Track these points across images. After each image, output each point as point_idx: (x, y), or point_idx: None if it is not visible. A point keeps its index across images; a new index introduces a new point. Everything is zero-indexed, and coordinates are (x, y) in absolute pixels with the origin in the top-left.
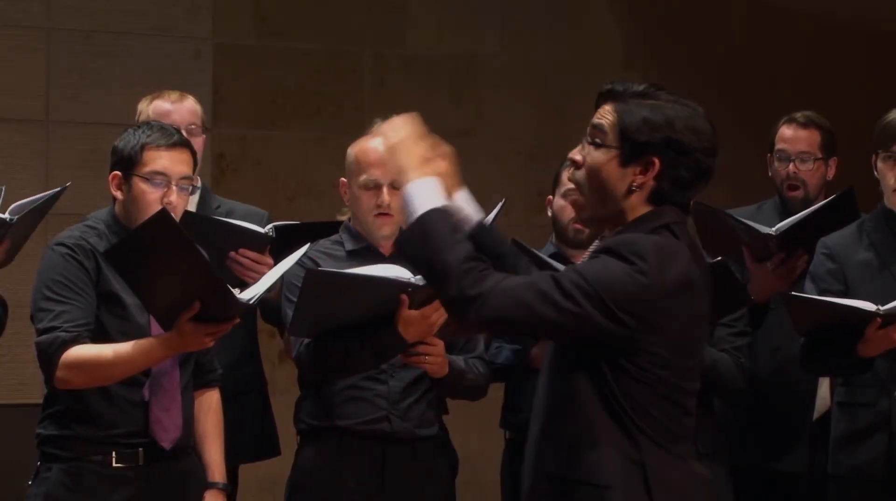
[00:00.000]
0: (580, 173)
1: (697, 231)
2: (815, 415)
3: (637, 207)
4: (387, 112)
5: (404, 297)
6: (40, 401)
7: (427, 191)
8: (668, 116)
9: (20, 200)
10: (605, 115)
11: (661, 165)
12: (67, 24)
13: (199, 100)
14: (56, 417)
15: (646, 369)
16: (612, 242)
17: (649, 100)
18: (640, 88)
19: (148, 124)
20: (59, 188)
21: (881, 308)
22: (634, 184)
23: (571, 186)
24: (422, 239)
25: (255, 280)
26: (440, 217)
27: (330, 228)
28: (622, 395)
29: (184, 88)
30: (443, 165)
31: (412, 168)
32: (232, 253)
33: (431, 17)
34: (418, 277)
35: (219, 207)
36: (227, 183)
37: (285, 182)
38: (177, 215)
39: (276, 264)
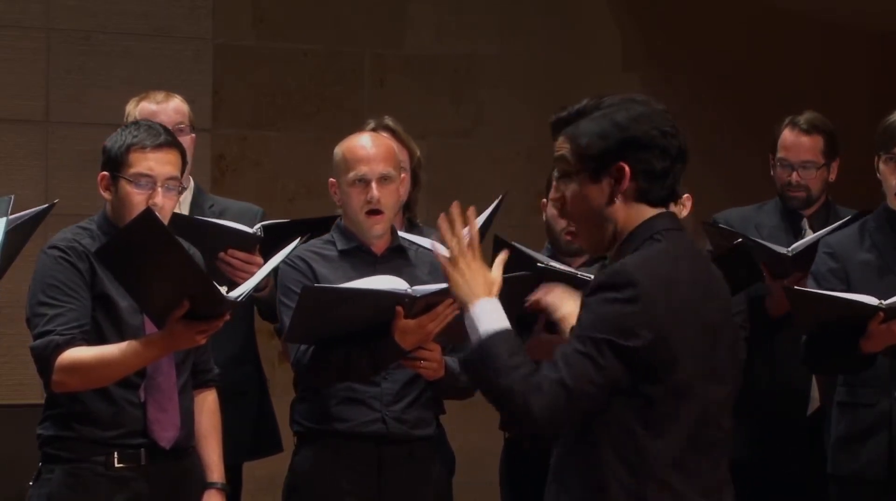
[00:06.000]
0: (567, 209)
1: (715, 252)
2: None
3: (625, 212)
4: (387, 112)
5: (399, 309)
6: (40, 401)
7: (489, 313)
8: (613, 119)
9: (21, 201)
10: (562, 145)
11: (630, 166)
12: (67, 24)
13: (199, 101)
14: (57, 418)
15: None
16: (600, 278)
17: (593, 113)
18: (581, 105)
19: (136, 124)
20: (46, 205)
21: (884, 302)
22: (614, 194)
23: None
24: (482, 363)
25: (246, 281)
26: (502, 339)
27: (319, 223)
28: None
29: (184, 88)
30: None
31: (477, 292)
32: (221, 254)
33: (431, 18)
34: (415, 288)
35: (212, 206)
36: (226, 184)
37: (285, 183)
38: (164, 216)
39: (266, 262)
